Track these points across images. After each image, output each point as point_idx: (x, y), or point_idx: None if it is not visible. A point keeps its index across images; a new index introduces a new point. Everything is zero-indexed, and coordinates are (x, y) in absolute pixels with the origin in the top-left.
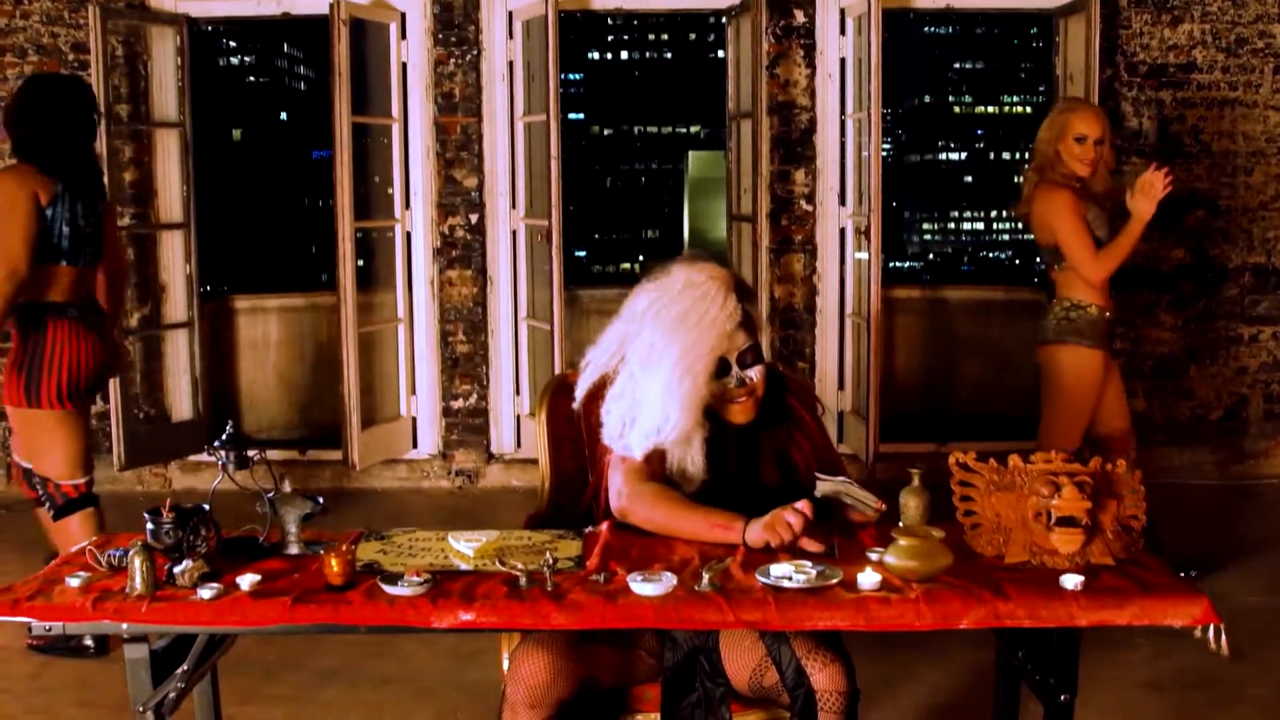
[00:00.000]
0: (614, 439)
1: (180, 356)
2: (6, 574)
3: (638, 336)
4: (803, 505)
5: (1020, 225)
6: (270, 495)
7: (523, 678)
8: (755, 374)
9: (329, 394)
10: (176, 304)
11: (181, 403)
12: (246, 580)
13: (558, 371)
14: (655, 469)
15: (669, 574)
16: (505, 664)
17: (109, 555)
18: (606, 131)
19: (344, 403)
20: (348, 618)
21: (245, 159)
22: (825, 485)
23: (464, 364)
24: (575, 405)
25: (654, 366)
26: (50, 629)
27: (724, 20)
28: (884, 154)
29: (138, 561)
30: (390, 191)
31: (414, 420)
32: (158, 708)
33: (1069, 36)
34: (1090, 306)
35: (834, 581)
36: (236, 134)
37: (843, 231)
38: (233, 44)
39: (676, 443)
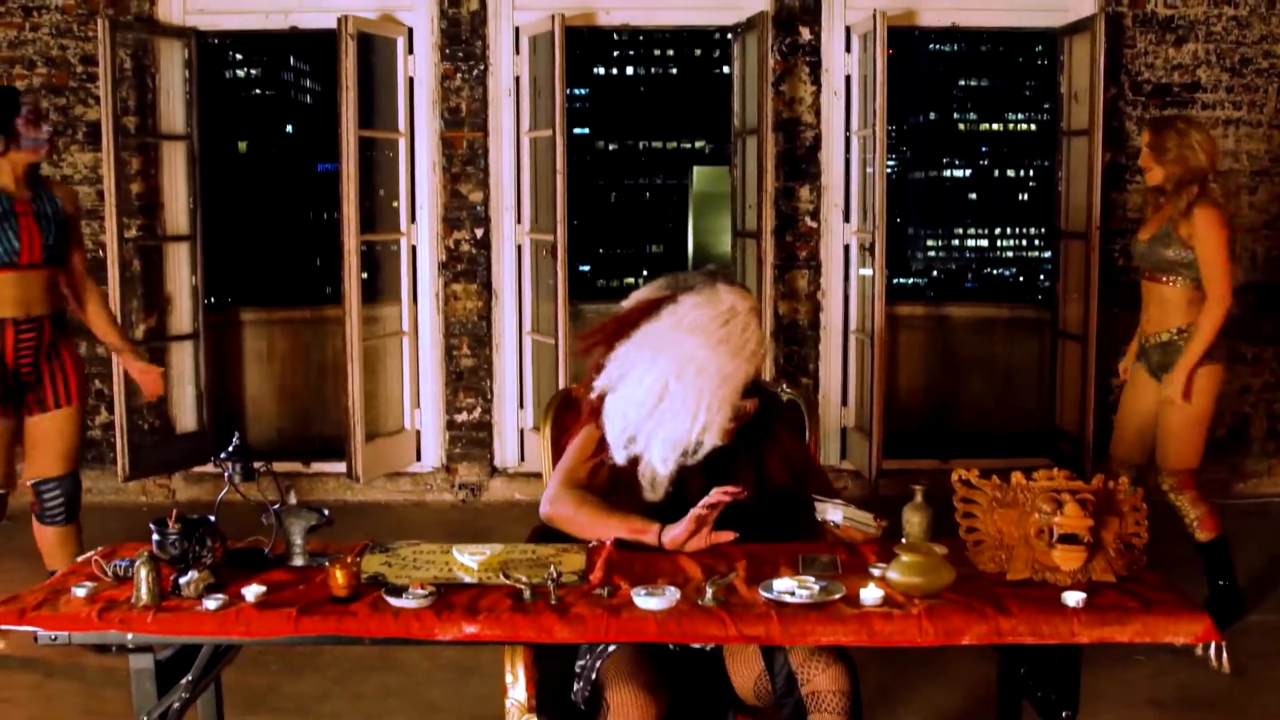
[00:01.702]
0: (616, 438)
1: (185, 368)
2: (12, 583)
3: (678, 347)
4: (721, 490)
5: (1025, 242)
6: (276, 507)
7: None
8: (750, 405)
9: (333, 406)
10: (182, 316)
11: (186, 414)
12: (251, 591)
13: (562, 386)
14: (601, 481)
15: (672, 588)
16: (508, 677)
17: (115, 565)
18: (611, 146)
19: (348, 415)
20: (352, 629)
21: (251, 171)
22: (823, 508)
23: (468, 377)
24: (593, 395)
25: (692, 384)
26: (56, 638)
27: (730, 37)
28: (888, 170)
29: (144, 572)
30: (396, 205)
31: (418, 433)
32: (162, 717)
33: (1073, 55)
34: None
35: (837, 597)
36: (242, 146)
37: (847, 248)
38: (239, 57)
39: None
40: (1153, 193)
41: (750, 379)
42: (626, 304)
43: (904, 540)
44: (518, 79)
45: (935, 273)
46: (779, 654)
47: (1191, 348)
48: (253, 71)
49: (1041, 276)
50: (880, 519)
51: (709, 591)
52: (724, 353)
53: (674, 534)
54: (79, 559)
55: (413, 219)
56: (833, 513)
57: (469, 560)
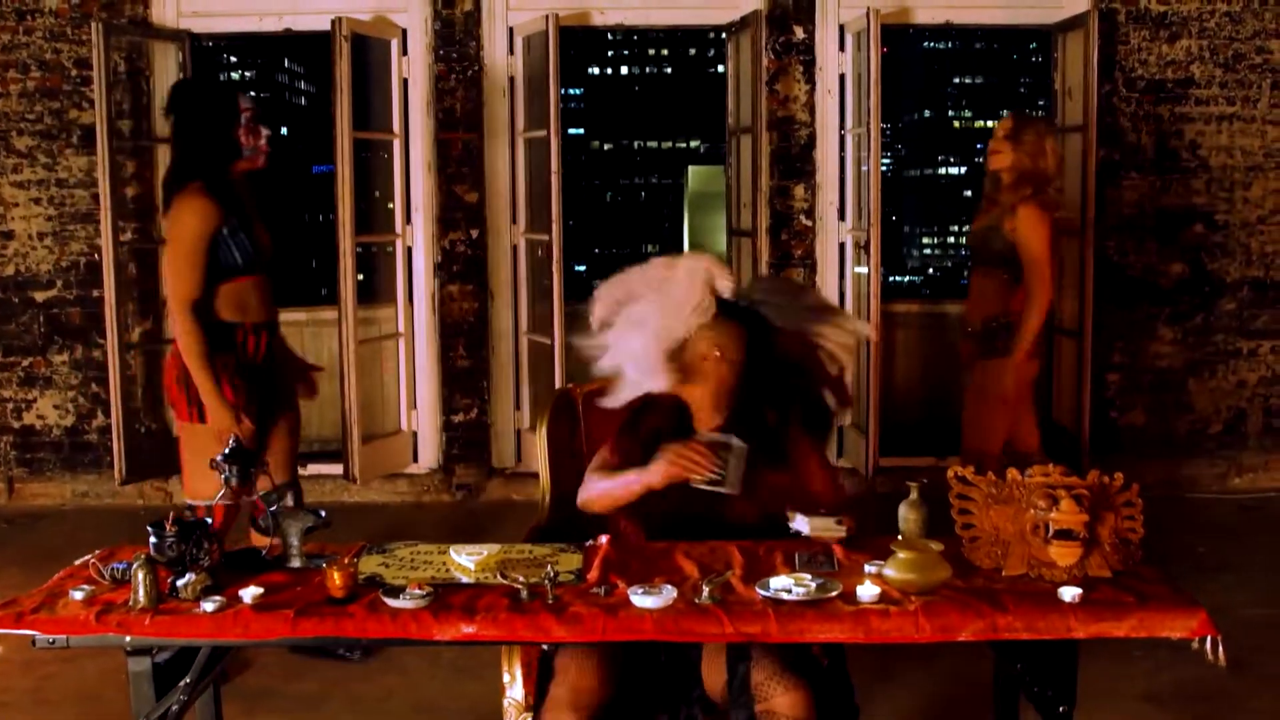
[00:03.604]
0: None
1: None
2: (9, 587)
3: (624, 320)
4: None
5: None
6: (273, 509)
7: (570, 681)
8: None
9: (329, 408)
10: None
11: None
12: (249, 593)
13: (558, 386)
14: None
15: (669, 587)
16: (505, 677)
17: (112, 568)
18: (606, 146)
19: (344, 417)
20: (349, 630)
21: (245, 174)
22: (793, 521)
23: (464, 378)
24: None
25: (636, 345)
26: (54, 642)
27: (724, 36)
28: (883, 169)
29: (141, 575)
30: (391, 206)
31: (414, 435)
32: None
33: (1067, 52)
34: None
35: (833, 594)
36: None
37: (842, 246)
38: (234, 59)
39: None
40: (991, 181)
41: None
42: None
43: (900, 537)
44: (512, 79)
45: (931, 270)
46: (741, 665)
47: (1020, 339)
48: (247, 74)
49: None
50: (844, 520)
51: (706, 590)
52: (664, 310)
53: (653, 470)
54: (76, 562)
55: (408, 220)
56: (800, 524)
57: (466, 561)
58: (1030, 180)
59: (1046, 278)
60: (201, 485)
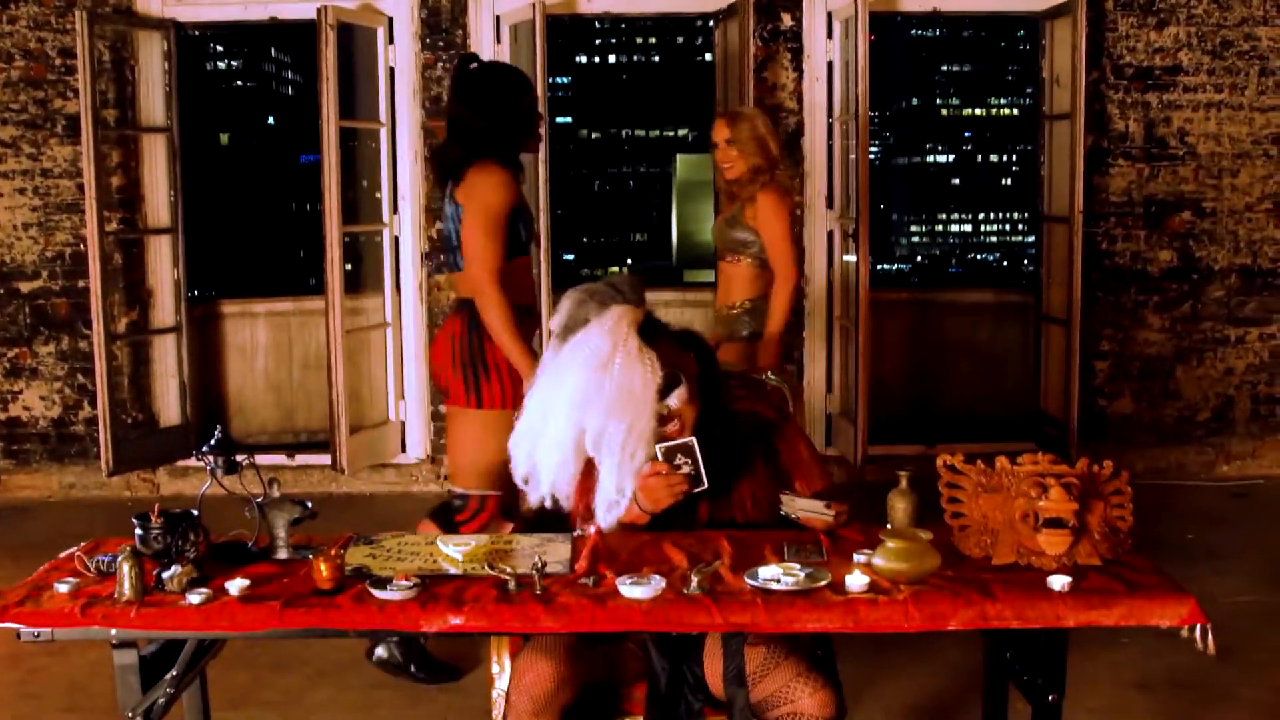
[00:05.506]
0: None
1: (168, 361)
2: None
3: (578, 415)
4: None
5: (1008, 227)
6: (259, 500)
7: (527, 686)
8: (675, 401)
9: (317, 398)
10: (164, 309)
11: (169, 408)
12: (235, 585)
13: None
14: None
15: (658, 577)
16: (494, 668)
17: (97, 561)
18: (594, 135)
19: (332, 407)
20: (337, 622)
21: (233, 163)
22: (785, 505)
23: None
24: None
25: (603, 447)
26: (39, 635)
27: (711, 23)
28: (871, 156)
29: (126, 567)
30: (378, 195)
31: (403, 424)
32: (147, 713)
33: (1055, 39)
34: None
35: (822, 584)
36: (224, 138)
37: (830, 234)
38: (220, 48)
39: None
40: (732, 183)
41: (653, 403)
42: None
43: (889, 526)
44: None
45: (919, 258)
46: (741, 691)
47: (771, 323)
48: (234, 63)
49: (1025, 261)
50: (834, 504)
51: (694, 580)
52: (620, 403)
53: (637, 503)
54: (62, 554)
55: (395, 209)
56: (792, 509)
57: (454, 551)
58: (765, 170)
59: (789, 259)
60: (472, 474)
